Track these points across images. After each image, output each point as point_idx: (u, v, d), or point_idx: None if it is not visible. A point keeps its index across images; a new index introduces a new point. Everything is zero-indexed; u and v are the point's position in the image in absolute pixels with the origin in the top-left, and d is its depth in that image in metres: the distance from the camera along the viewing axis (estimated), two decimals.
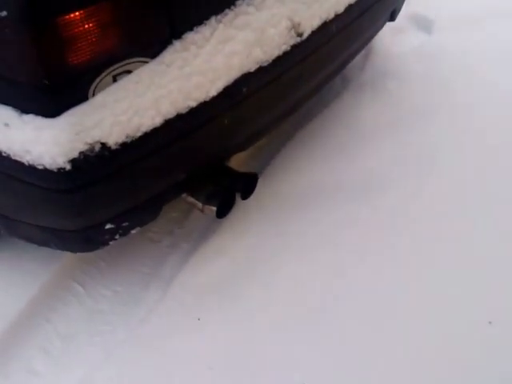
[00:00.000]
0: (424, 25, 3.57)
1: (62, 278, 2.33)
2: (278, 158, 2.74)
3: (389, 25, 3.19)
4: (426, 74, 3.17)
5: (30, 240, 2.04)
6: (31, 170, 1.63)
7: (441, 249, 2.22)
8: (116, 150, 1.69)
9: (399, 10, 3.09)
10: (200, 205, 2.17)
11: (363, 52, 3.24)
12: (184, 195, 2.16)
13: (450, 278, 2.11)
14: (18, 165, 1.64)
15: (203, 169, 2.10)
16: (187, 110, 1.82)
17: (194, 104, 1.83)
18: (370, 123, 2.88)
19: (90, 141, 1.63)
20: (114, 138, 1.67)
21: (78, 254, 2.26)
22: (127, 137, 1.70)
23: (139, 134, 1.72)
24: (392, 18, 3.03)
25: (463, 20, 3.48)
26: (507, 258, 2.16)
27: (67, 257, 2.32)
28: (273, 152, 2.79)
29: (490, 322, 1.94)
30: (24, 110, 1.62)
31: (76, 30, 1.55)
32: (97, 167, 1.68)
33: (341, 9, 2.26)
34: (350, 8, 2.32)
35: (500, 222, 2.31)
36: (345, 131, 2.85)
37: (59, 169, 1.61)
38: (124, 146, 1.70)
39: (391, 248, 2.26)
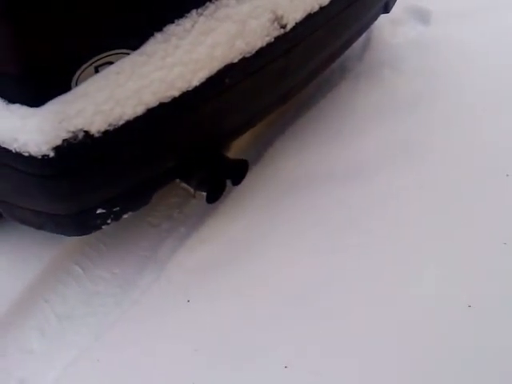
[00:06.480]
0: (422, 16, 3.59)
1: (64, 261, 2.41)
2: (275, 145, 2.81)
3: (387, 16, 3.24)
4: (421, 63, 3.20)
5: (28, 223, 2.12)
6: (19, 156, 1.71)
7: (423, 233, 2.26)
8: (99, 137, 1.75)
9: (393, 1, 3.11)
10: (192, 190, 2.26)
11: (362, 43, 3.30)
12: (178, 181, 2.24)
13: (431, 263, 2.15)
14: (7, 152, 1.72)
15: (194, 156, 2.16)
16: (170, 99, 1.88)
17: (176, 94, 1.89)
18: (365, 112, 2.93)
19: (72, 129, 1.70)
20: (96, 126, 1.74)
21: (80, 237, 2.34)
22: (110, 125, 1.76)
23: (121, 122, 1.78)
24: (386, 10, 3.05)
25: (459, 12, 3.49)
26: (486, 243, 2.19)
27: (69, 240, 2.41)
28: (271, 139, 2.86)
29: (469, 306, 1.98)
30: (11, 99, 1.69)
31: (57, 23, 1.62)
32: (81, 154, 1.76)
33: (325, 1, 2.30)
34: (335, 0, 2.35)
35: (486, 207, 2.34)
36: (341, 120, 2.90)
37: (43, 156, 1.68)
38: (107, 133, 1.76)
39: (379, 232, 2.30)
